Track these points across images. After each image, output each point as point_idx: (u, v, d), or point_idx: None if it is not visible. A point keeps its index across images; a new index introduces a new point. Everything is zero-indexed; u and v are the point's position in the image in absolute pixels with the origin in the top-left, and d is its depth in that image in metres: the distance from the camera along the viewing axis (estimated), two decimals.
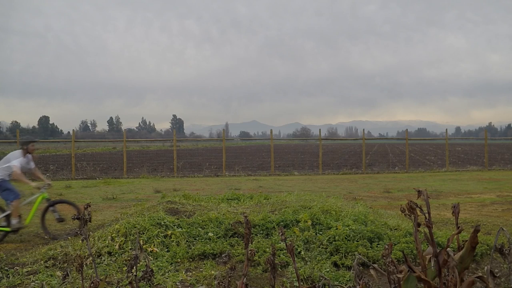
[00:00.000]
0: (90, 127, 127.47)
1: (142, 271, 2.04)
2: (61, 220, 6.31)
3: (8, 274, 4.02)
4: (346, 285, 3.75)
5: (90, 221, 1.98)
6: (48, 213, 6.24)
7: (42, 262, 4.26)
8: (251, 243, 4.56)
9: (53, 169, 18.78)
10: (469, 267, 2.35)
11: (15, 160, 6.11)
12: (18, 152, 6.22)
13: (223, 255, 4.31)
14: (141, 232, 4.70)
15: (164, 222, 4.90)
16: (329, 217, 5.18)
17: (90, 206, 2.01)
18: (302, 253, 4.42)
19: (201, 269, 4.12)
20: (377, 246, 4.54)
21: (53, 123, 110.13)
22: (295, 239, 4.65)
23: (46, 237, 6.01)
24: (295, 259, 4.07)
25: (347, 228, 4.80)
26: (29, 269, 4.13)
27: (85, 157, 25.64)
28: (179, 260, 4.28)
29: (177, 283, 3.78)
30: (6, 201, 6.06)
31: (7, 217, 5.95)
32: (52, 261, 4.27)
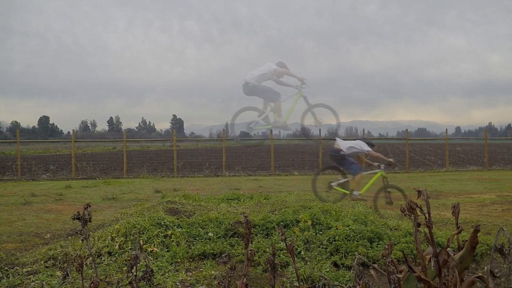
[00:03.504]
0: (90, 127, 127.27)
1: (142, 271, 2.04)
2: (390, 202, 7.16)
3: (8, 274, 4.02)
4: (346, 285, 3.75)
5: (90, 221, 1.98)
6: (383, 192, 7.16)
7: (42, 262, 4.26)
8: (251, 243, 4.56)
9: (53, 169, 18.78)
10: (469, 267, 2.35)
11: (367, 147, 7.42)
12: (364, 144, 7.50)
13: (223, 255, 4.31)
14: (141, 232, 4.70)
15: (164, 222, 4.90)
16: (329, 217, 5.19)
17: (90, 206, 2.01)
18: (302, 253, 4.43)
19: (201, 269, 4.13)
20: (377, 246, 4.54)
21: (53, 123, 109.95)
22: (295, 239, 4.66)
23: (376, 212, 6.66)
24: (295, 259, 4.07)
25: (347, 228, 4.80)
26: (29, 269, 4.13)
27: (85, 157, 25.63)
28: (179, 260, 4.28)
29: (177, 283, 3.78)
30: (349, 172, 7.29)
31: (346, 183, 7.27)
32: (52, 261, 4.27)
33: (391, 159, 7.87)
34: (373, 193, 7.25)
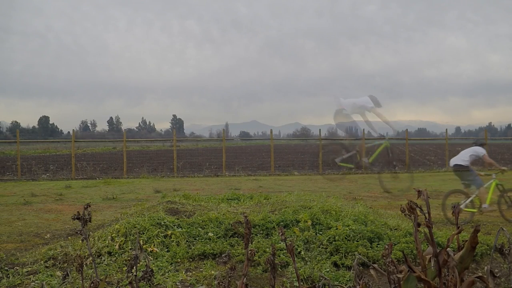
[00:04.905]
0: (90, 127, 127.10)
1: (142, 271, 2.04)
2: (511, 205, 7.24)
3: (8, 274, 4.02)
4: (346, 285, 3.75)
5: (90, 221, 1.98)
6: (503, 199, 7.26)
7: (42, 262, 4.26)
8: (251, 243, 4.56)
9: (53, 169, 18.77)
10: (469, 267, 2.35)
11: (482, 150, 7.42)
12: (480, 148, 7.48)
13: (223, 255, 4.30)
14: (141, 232, 4.70)
15: (164, 222, 4.90)
16: (329, 217, 5.18)
17: (90, 206, 2.01)
18: (302, 253, 4.42)
19: (201, 269, 4.13)
20: (377, 246, 4.54)
21: (53, 123, 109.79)
22: (295, 239, 4.65)
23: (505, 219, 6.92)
24: (295, 259, 4.07)
25: (347, 228, 4.80)
26: (29, 269, 4.13)
27: (85, 157, 25.61)
28: (179, 260, 4.28)
29: (177, 283, 3.78)
30: (472, 185, 7.24)
31: (472, 202, 7.21)
32: (52, 261, 4.27)
33: (504, 167, 7.76)
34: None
